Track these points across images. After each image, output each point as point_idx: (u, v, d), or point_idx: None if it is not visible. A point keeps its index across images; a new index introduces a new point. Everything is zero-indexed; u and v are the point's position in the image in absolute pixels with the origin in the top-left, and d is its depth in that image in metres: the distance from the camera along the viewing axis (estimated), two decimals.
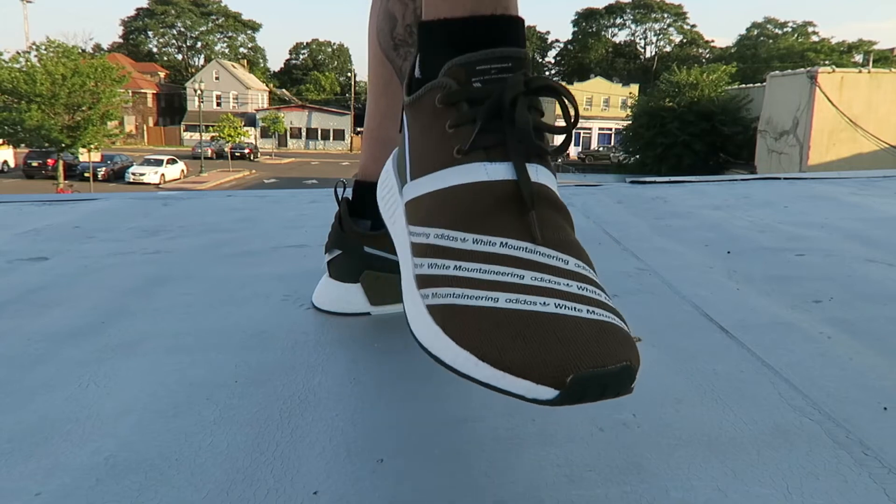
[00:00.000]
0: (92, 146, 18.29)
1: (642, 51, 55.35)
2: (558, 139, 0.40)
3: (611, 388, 0.32)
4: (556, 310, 0.34)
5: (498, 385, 0.33)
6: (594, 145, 33.28)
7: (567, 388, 0.31)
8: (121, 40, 51.21)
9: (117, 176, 21.43)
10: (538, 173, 0.40)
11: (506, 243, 0.37)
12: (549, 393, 0.31)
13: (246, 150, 28.87)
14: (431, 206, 0.41)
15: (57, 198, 1.56)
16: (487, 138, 0.40)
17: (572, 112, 0.41)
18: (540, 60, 56.89)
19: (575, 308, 0.34)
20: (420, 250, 0.40)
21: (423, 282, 0.38)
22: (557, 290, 0.35)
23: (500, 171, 0.39)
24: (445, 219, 0.39)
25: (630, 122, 21.57)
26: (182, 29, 51.21)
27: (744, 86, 19.16)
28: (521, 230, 0.38)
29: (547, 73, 56.50)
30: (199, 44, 52.41)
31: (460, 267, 0.37)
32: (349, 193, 0.71)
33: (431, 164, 0.42)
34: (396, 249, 0.46)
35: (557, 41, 58.18)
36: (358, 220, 0.70)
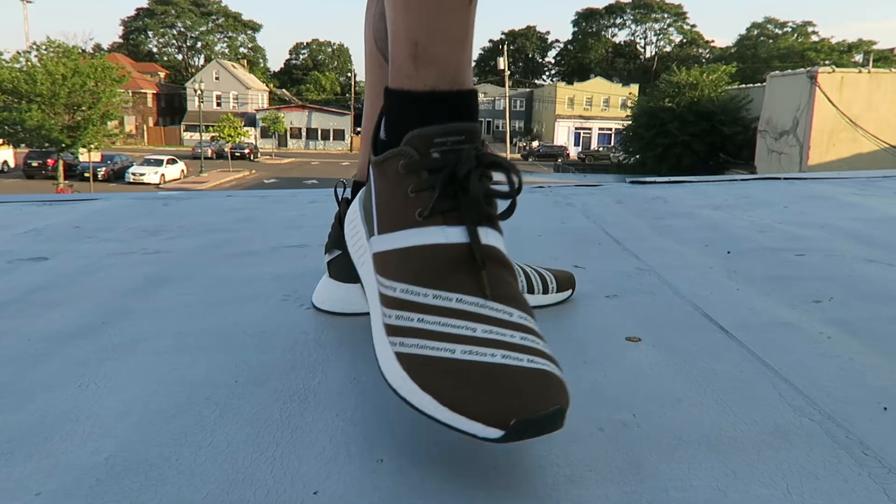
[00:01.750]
0: (92, 146, 18.28)
1: (642, 51, 55.36)
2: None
3: (546, 427, 0.39)
4: (503, 360, 0.40)
5: (455, 425, 0.39)
6: (594, 145, 33.14)
7: (510, 429, 0.37)
8: (121, 40, 51.26)
9: (117, 176, 21.42)
10: (488, 236, 0.46)
11: (461, 299, 0.43)
12: (496, 433, 0.38)
13: (246, 151, 28.86)
14: (397, 262, 0.46)
15: (57, 198, 1.56)
16: (444, 204, 0.46)
17: (517, 182, 0.47)
18: (540, 60, 56.91)
19: (517, 358, 0.41)
20: (389, 302, 0.45)
21: (392, 331, 0.44)
22: (503, 341, 0.42)
23: (455, 235, 0.45)
24: (410, 275, 0.45)
25: (630, 122, 21.53)
26: (182, 29, 51.23)
27: (744, 86, 19.13)
28: (474, 287, 0.44)
29: (547, 72, 56.38)
30: (199, 44, 52.43)
31: (423, 319, 0.43)
32: (349, 194, 0.71)
33: (396, 223, 0.47)
34: (365, 290, 0.51)
35: (557, 41, 58.24)
36: None
